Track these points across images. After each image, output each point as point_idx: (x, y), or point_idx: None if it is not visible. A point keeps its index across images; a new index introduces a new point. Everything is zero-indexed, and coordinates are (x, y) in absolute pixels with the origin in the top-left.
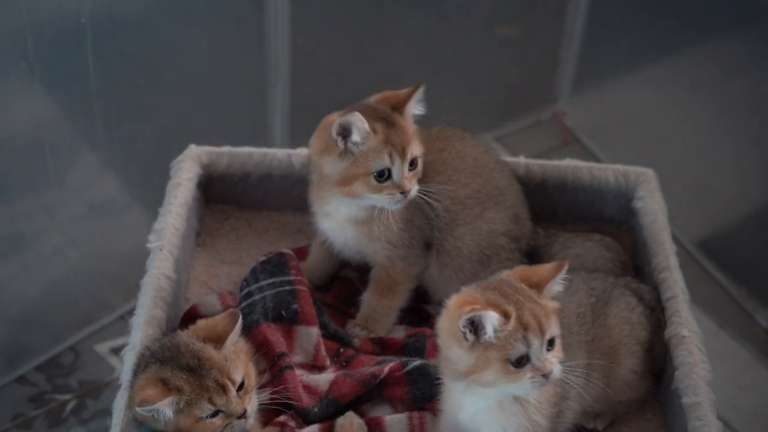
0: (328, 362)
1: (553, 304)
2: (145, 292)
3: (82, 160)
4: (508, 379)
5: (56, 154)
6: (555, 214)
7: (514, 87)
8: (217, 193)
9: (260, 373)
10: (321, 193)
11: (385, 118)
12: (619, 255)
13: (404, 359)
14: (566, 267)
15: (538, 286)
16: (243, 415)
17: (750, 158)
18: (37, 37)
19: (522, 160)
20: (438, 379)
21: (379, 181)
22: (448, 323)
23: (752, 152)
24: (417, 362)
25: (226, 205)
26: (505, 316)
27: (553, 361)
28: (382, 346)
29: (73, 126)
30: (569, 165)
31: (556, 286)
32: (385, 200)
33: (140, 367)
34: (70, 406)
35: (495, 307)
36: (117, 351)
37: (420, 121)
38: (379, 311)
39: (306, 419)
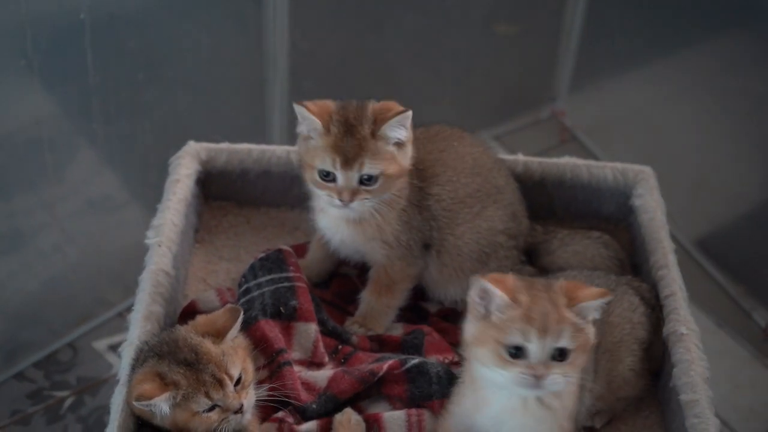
0: (326, 359)
1: (577, 322)
2: (144, 287)
3: (80, 157)
4: (498, 364)
5: (55, 150)
6: (553, 211)
7: (512, 85)
8: (216, 190)
9: (258, 369)
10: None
11: (345, 122)
12: (617, 253)
13: (403, 357)
14: (608, 298)
15: (573, 300)
16: (239, 410)
17: (748, 157)
18: (36, 33)
19: (520, 157)
20: (439, 377)
21: (324, 180)
22: (473, 293)
23: (750, 151)
24: (416, 360)
25: (224, 202)
26: (514, 301)
27: (555, 372)
28: (380, 344)
29: (71, 122)
30: (568, 163)
31: (592, 308)
32: (325, 199)
33: (138, 362)
34: (68, 403)
35: (509, 291)
36: (115, 348)
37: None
38: (377, 309)
39: (304, 415)
